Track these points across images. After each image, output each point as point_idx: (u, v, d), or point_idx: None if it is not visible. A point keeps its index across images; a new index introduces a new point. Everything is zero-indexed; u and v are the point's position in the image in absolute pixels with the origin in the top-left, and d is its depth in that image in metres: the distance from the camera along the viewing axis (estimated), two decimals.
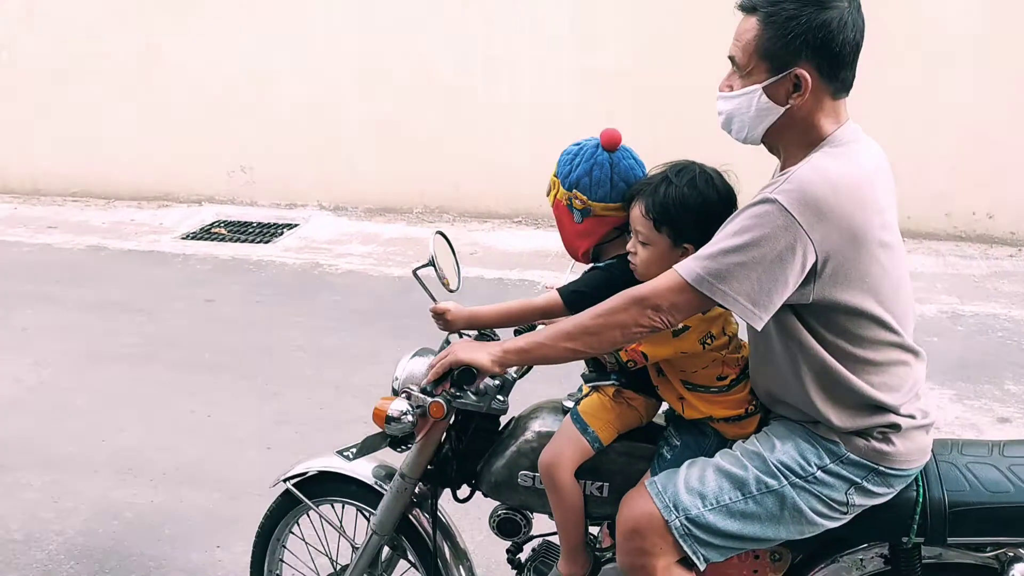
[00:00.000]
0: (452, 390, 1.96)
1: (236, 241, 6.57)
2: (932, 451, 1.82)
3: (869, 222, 1.65)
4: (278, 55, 6.97)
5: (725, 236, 1.66)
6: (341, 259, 6.12)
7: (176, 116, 7.26)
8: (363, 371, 4.36)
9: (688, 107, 5.75)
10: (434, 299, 2.07)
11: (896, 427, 1.73)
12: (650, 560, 1.79)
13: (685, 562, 1.81)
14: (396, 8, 6.69)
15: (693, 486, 1.78)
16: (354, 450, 2.16)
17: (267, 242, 6.52)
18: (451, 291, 2.11)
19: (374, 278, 5.76)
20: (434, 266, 2.02)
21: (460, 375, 1.86)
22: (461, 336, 2.10)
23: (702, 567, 1.80)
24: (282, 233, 6.73)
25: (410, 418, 1.93)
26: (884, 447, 1.73)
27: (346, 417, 3.81)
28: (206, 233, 6.80)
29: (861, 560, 1.86)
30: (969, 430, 3.79)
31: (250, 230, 6.85)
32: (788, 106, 1.70)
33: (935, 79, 5.99)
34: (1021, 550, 1.77)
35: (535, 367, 2.07)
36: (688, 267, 1.67)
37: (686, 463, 1.84)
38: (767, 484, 1.75)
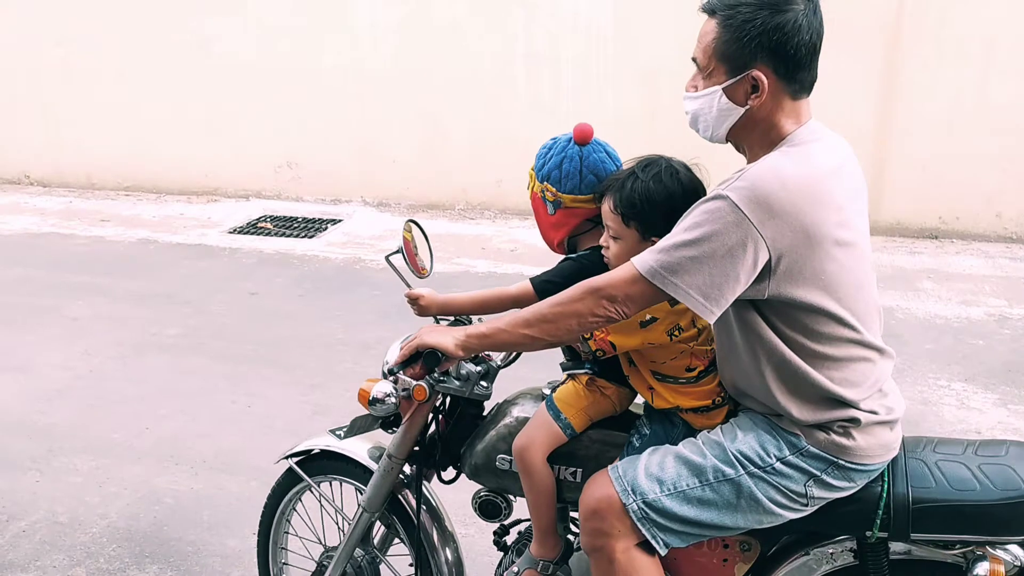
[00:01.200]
0: (436, 375, 2.03)
1: (281, 236, 6.69)
2: (905, 448, 1.84)
3: (823, 220, 1.66)
4: (324, 53, 7.07)
5: (679, 230, 1.69)
6: (383, 254, 6.18)
7: (225, 113, 7.40)
8: None
9: None
10: (408, 285, 2.15)
11: (856, 422, 1.75)
12: (609, 542, 1.84)
13: (646, 547, 1.84)
14: (440, 5, 6.75)
15: (652, 472, 1.83)
16: (344, 430, 2.24)
17: (311, 237, 6.62)
18: (421, 278, 2.17)
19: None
20: (403, 253, 2.10)
21: (426, 357, 1.93)
22: (438, 321, 2.16)
23: (662, 551, 1.84)
24: (326, 228, 6.83)
25: (393, 400, 2.01)
26: (844, 441, 1.75)
27: None
28: (252, 228, 6.93)
29: (831, 554, 1.87)
30: (1012, 435, 3.72)
31: (295, 225, 6.96)
32: (747, 107, 1.73)
33: (986, 79, 5.87)
34: (990, 548, 1.76)
35: (523, 356, 2.13)
36: (643, 259, 1.70)
37: (649, 450, 1.89)
38: (724, 472, 1.78)
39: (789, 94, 1.73)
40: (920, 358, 4.47)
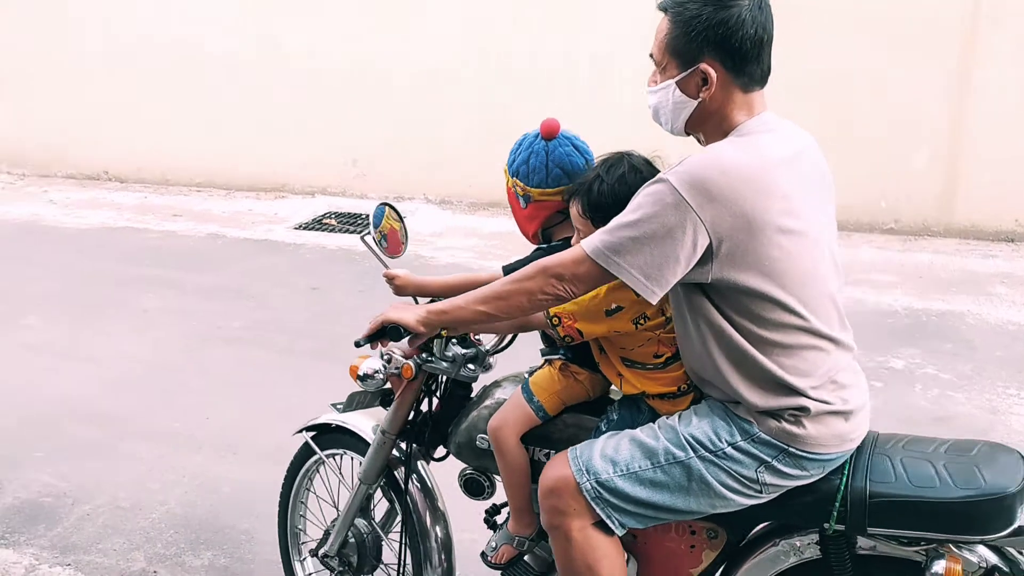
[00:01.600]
0: (425, 355, 2.16)
1: (345, 232, 6.80)
2: (875, 443, 1.84)
3: (766, 207, 1.69)
4: (389, 52, 7.16)
5: (624, 213, 1.74)
6: (442, 251, 6.25)
7: (295, 112, 7.56)
8: None
9: (785, 110, 5.61)
10: (385, 265, 2.25)
11: (806, 410, 1.76)
12: (565, 520, 1.90)
13: (604, 527, 1.89)
14: (504, 3, 6.77)
15: (607, 453, 1.88)
16: (343, 404, 2.33)
17: None
18: (393, 257, 2.26)
19: (473, 271, 5.84)
20: (372, 234, 2.20)
21: (389, 331, 2.00)
22: (417, 302, 2.24)
23: (619, 531, 1.89)
24: None
25: (381, 376, 2.16)
26: (794, 429, 1.76)
27: None
28: (317, 224, 7.06)
29: (798, 546, 1.87)
30: None
31: (358, 222, 7.07)
32: (700, 99, 1.79)
33: None
34: (955, 547, 1.73)
35: (516, 341, 2.23)
36: (590, 240, 1.76)
37: (608, 433, 1.95)
38: (675, 455, 1.82)
39: (739, 87, 1.78)
40: (989, 364, 4.32)
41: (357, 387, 2.25)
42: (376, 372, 2.17)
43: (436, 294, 2.21)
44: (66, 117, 8.29)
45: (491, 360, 2.29)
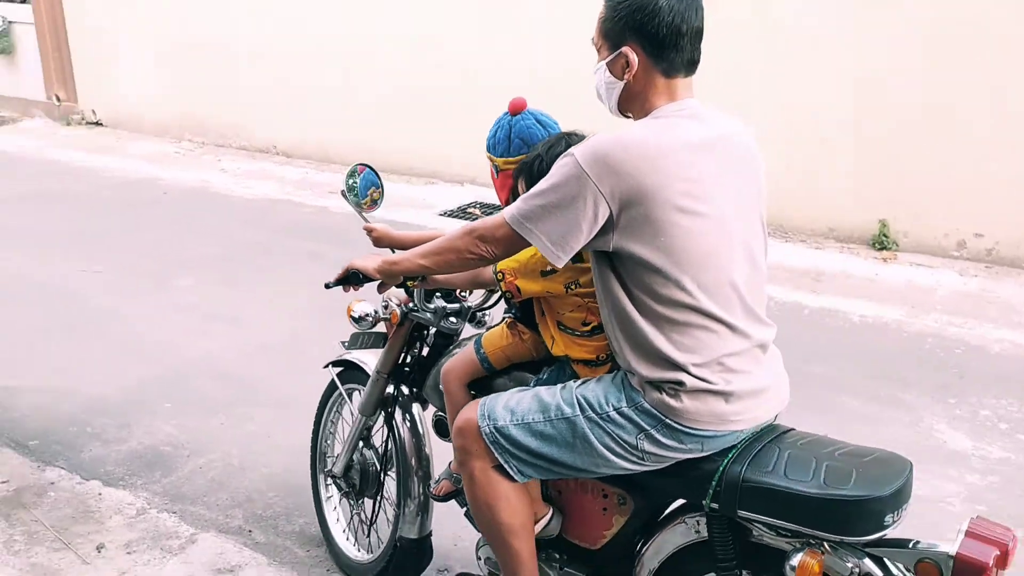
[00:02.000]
0: (411, 304, 2.46)
1: None
2: (779, 435, 1.93)
3: (664, 185, 1.80)
4: (538, 49, 7.17)
5: (538, 184, 1.90)
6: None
7: (451, 101, 7.71)
8: None
9: (929, 121, 5.24)
10: (365, 219, 2.52)
11: (683, 384, 1.86)
12: (469, 459, 2.11)
13: (505, 472, 2.07)
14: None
15: (510, 404, 2.07)
16: (348, 342, 2.69)
17: None
18: (370, 211, 2.55)
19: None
20: (345, 190, 2.52)
21: (350, 276, 2.31)
22: (394, 252, 2.43)
23: (517, 478, 2.08)
24: None
25: (371, 319, 2.50)
26: (672, 402, 1.87)
27: None
28: (462, 212, 7.17)
29: (697, 523, 1.97)
30: None
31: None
32: (624, 81, 1.93)
33: None
34: (828, 545, 1.76)
35: (501, 302, 2.40)
36: (509, 208, 1.92)
37: (519, 388, 2.16)
38: (563, 411, 1.99)
39: (660, 72, 1.91)
40: None
41: (354, 328, 2.60)
42: (367, 315, 2.51)
43: (407, 247, 2.37)
44: (245, 91, 8.81)
45: (484, 316, 2.58)
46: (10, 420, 4.00)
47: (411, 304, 2.46)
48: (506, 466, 2.06)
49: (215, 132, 9.21)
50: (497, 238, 1.94)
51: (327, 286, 2.37)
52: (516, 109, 2.29)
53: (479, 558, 2.46)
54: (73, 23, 9.90)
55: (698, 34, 1.90)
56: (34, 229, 6.66)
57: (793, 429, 2.00)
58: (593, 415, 1.95)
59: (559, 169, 1.86)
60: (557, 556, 2.29)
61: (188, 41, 8.98)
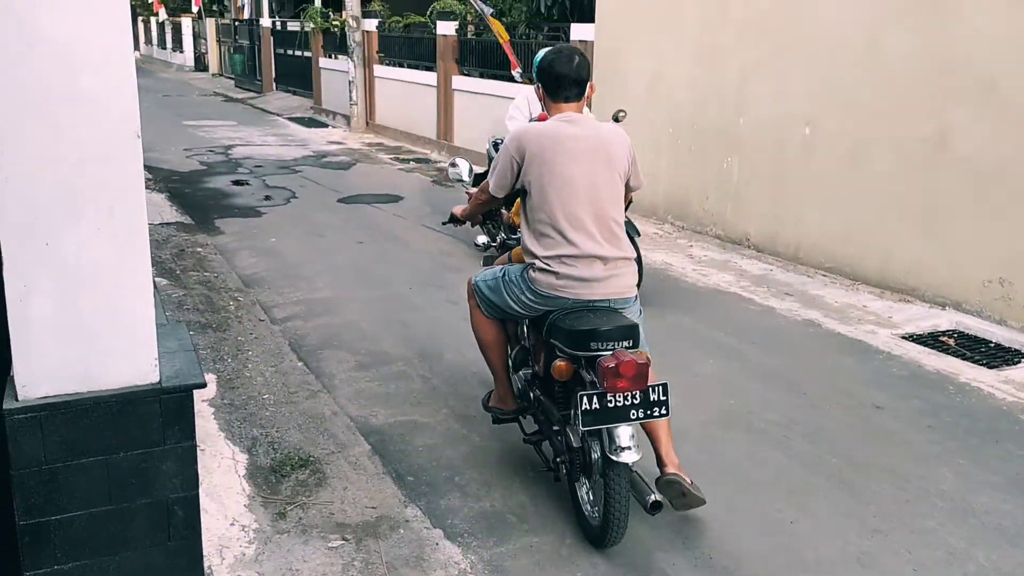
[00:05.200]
0: (501, 236, 4.88)
1: (957, 356, 5.87)
2: (594, 307, 3.61)
3: (542, 153, 3.60)
4: None
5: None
6: None
7: (942, 210, 6.80)
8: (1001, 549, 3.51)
9: None
10: (467, 193, 4.71)
11: (535, 266, 3.63)
12: (470, 301, 4.08)
13: (481, 311, 4.01)
14: None
15: (487, 275, 3.98)
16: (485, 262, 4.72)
17: (991, 367, 5.66)
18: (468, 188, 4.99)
19: None
20: (456, 179, 5.16)
21: (452, 219, 4.50)
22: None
23: (484, 312, 3.98)
24: (1017, 362, 5.77)
25: (483, 243, 4.90)
26: (533, 274, 3.64)
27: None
28: (931, 339, 6.22)
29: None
30: None
31: (981, 350, 6.04)
32: (542, 102, 3.81)
33: None
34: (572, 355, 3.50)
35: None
36: (489, 175, 3.88)
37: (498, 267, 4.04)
38: (496, 275, 3.89)
39: (552, 99, 3.76)
40: None
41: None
42: (485, 243, 4.79)
43: (469, 209, 4.31)
44: (729, 180, 8.78)
45: (509, 240, 4.50)
46: (403, 452, 4.38)
47: (501, 236, 4.77)
48: (480, 303, 3.98)
49: (694, 218, 9.32)
50: (484, 189, 3.91)
51: (443, 223, 4.70)
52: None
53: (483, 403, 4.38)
54: (598, 112, 10.85)
55: (575, 82, 3.69)
56: None
57: (610, 304, 3.61)
58: (506, 277, 3.81)
59: (503, 148, 3.71)
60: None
61: (692, 127, 9.25)
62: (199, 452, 4.20)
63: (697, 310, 6.71)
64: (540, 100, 3.77)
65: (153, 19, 37.68)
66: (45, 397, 2.35)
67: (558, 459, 3.68)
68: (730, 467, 4.27)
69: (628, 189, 3.76)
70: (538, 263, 3.55)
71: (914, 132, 7.02)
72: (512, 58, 11.43)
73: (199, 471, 3.97)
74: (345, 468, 4.15)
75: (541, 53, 3.81)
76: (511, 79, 11.92)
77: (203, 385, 2.51)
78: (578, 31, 10.93)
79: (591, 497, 3.55)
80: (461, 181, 5.03)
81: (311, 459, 4.22)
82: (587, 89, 3.77)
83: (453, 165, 5.12)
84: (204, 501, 3.78)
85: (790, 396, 5.12)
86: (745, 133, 8.60)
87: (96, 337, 2.36)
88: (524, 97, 7.44)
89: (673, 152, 9.56)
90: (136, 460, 2.46)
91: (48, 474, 2.36)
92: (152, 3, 34.31)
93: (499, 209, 4.67)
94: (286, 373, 5.27)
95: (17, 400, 2.32)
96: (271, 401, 4.87)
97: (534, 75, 3.81)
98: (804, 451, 4.44)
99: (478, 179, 5.66)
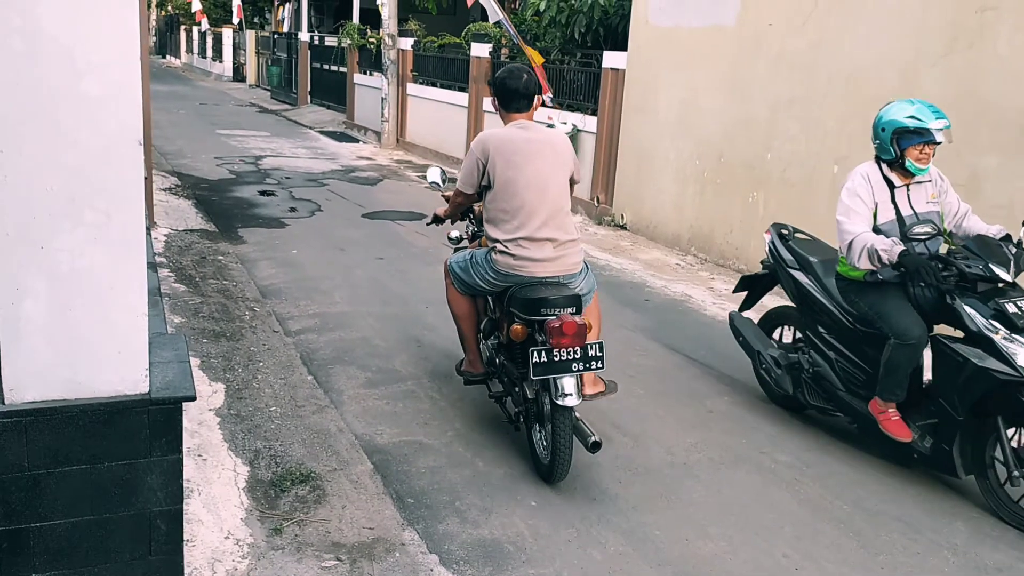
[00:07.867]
0: (472, 228, 5.20)
1: None
2: (547, 282, 4.30)
3: (501, 154, 4.30)
4: None
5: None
6: None
7: None
8: None
9: None
10: (443, 197, 5.09)
11: (496, 248, 4.33)
12: (446, 279, 4.77)
13: (455, 288, 4.72)
14: None
15: (456, 257, 4.70)
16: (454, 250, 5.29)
17: None
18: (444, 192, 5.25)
19: None
20: (432, 184, 5.42)
21: (435, 219, 5.23)
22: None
23: (457, 289, 4.67)
24: None
25: (456, 236, 5.27)
26: (494, 255, 4.34)
27: None
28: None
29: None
30: None
31: None
32: (497, 112, 4.51)
33: None
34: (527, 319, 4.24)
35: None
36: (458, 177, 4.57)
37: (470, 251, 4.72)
38: (466, 257, 4.61)
39: (504, 109, 4.48)
40: None
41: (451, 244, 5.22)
42: (457, 236, 5.22)
43: (448, 210, 4.98)
44: (752, 215, 8.68)
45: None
46: (405, 472, 4.32)
47: (472, 228, 5.13)
48: (455, 282, 4.65)
49: (717, 251, 9.22)
50: (457, 191, 4.60)
51: (427, 223, 5.31)
52: None
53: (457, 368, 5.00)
54: (625, 138, 10.80)
55: (524, 95, 4.40)
56: None
57: (559, 280, 4.31)
58: (474, 260, 4.50)
59: (468, 154, 4.37)
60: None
61: (720, 160, 9.17)
62: (201, 462, 4.18)
63: (713, 346, 6.60)
64: (496, 111, 4.50)
65: (195, 29, 38.29)
66: (32, 403, 2.32)
67: (517, 410, 4.43)
68: (736, 507, 4.16)
69: (572, 182, 4.50)
70: (499, 246, 4.28)
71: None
72: (543, 83, 11.43)
73: (199, 481, 3.98)
74: (346, 486, 4.10)
75: (497, 73, 4.55)
76: (541, 104, 11.92)
77: (193, 398, 2.46)
78: (610, 59, 10.91)
79: (544, 441, 4.23)
80: (435, 185, 5.37)
81: (312, 475, 4.17)
82: (535, 101, 4.45)
83: (426, 175, 5.68)
84: (201, 512, 3.75)
85: (803, 438, 5.00)
86: (773, 168, 8.52)
87: (86, 344, 2.33)
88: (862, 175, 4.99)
89: (699, 183, 9.48)
90: (121, 471, 2.42)
91: (30, 480, 2.32)
92: (195, 13, 34.83)
93: (472, 206, 5.22)
94: (295, 386, 5.24)
95: (3, 404, 2.29)
96: (277, 414, 4.84)
97: (491, 91, 4.55)
98: (817, 496, 4.33)
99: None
